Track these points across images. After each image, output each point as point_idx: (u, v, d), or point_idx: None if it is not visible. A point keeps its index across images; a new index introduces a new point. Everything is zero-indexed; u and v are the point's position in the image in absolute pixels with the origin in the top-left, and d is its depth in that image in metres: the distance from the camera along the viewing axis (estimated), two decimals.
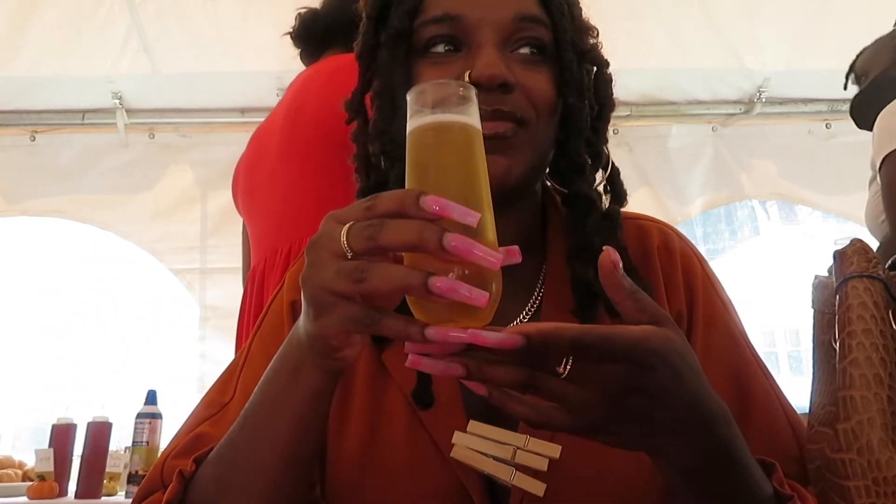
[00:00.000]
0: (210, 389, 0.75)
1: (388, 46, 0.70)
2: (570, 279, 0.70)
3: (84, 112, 2.92)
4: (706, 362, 0.67)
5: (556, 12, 0.70)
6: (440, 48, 0.69)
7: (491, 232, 0.50)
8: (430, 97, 0.52)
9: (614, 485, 0.63)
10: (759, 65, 2.88)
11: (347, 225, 0.47)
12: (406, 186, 0.50)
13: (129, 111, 2.91)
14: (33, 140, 2.95)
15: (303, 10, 1.60)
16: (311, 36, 1.58)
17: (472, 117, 0.52)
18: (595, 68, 0.75)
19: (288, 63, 2.87)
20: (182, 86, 2.85)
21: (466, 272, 0.46)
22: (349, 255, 0.46)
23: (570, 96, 0.70)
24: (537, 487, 0.58)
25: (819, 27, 2.67)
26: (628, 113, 3.02)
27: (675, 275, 0.73)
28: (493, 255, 0.45)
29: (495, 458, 0.59)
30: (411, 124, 0.52)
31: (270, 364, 0.57)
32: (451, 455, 0.60)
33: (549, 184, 0.79)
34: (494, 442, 0.60)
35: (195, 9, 2.58)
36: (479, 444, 0.60)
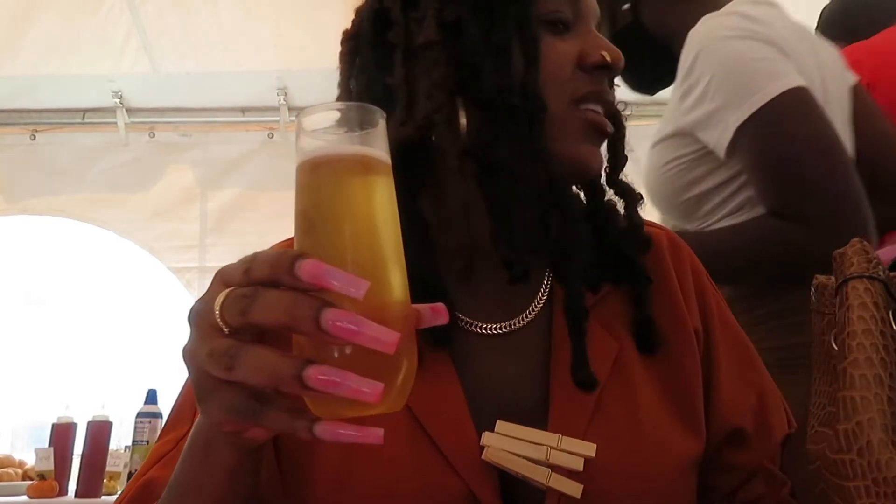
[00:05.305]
0: (167, 419, 0.66)
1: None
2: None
3: (84, 111, 2.93)
4: (735, 386, 0.68)
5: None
6: (554, 23, 0.65)
7: (398, 292, 0.40)
8: (321, 122, 0.42)
9: (649, 482, 0.60)
10: None
11: (224, 292, 0.39)
12: (294, 242, 0.42)
13: (129, 110, 2.92)
14: (33, 139, 2.95)
15: None
16: None
17: (376, 147, 0.42)
18: None
19: (288, 63, 2.88)
20: (182, 85, 2.86)
21: (357, 351, 0.37)
22: (226, 330, 0.39)
23: (615, 104, 0.71)
24: (574, 489, 0.54)
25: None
26: (628, 112, 3.00)
27: (688, 288, 0.70)
28: (386, 335, 0.36)
29: (528, 460, 0.55)
30: (298, 157, 0.42)
31: (189, 435, 0.49)
32: (484, 457, 0.55)
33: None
34: (526, 442, 0.56)
35: (196, 8, 2.58)
36: (510, 445, 0.56)
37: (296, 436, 0.39)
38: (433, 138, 0.63)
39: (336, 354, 0.38)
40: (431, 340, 0.60)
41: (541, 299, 0.67)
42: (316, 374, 0.35)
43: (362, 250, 0.40)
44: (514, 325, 0.65)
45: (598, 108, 0.65)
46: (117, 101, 2.86)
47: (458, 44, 0.63)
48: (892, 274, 0.55)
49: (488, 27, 0.63)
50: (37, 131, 2.96)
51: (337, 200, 0.41)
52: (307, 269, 0.36)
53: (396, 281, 0.41)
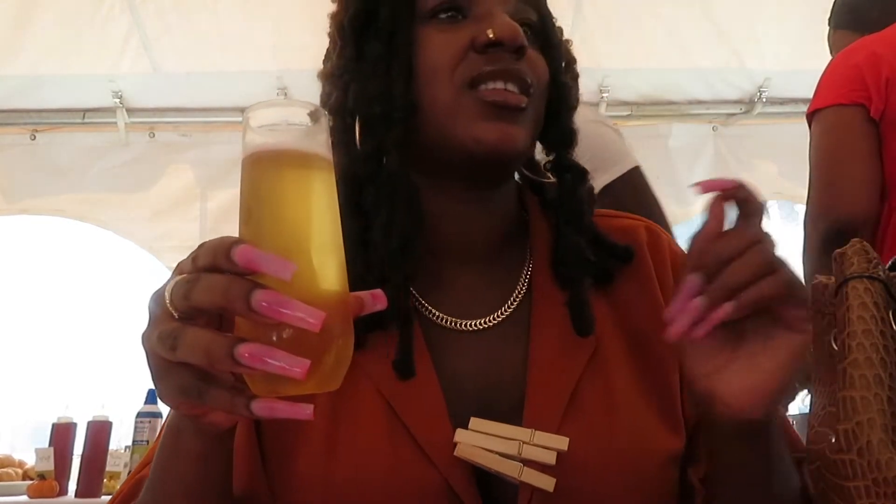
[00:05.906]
0: (164, 419, 0.67)
1: (391, 7, 0.66)
2: (555, 253, 0.69)
3: (84, 111, 2.92)
4: None
5: (542, 3, 0.72)
6: (445, 14, 0.65)
7: (331, 278, 0.43)
8: (265, 119, 0.45)
9: (624, 475, 0.60)
10: (759, 65, 2.88)
11: (175, 279, 0.43)
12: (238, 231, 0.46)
13: (129, 110, 2.91)
14: (33, 139, 2.94)
15: None
16: None
17: (315, 143, 0.45)
18: (564, 63, 0.75)
19: (288, 63, 2.88)
20: (182, 85, 2.85)
21: (292, 334, 0.41)
22: (175, 315, 0.42)
23: (560, 75, 0.71)
24: (547, 482, 0.56)
25: (819, 27, 2.65)
26: (628, 113, 3.02)
27: (666, 280, 0.71)
28: (312, 315, 0.38)
29: (501, 455, 0.57)
30: (243, 152, 0.45)
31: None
32: (456, 454, 0.57)
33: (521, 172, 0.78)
34: (498, 437, 0.58)
35: (196, 8, 2.58)
36: (482, 441, 0.58)
37: (235, 412, 0.42)
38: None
39: (273, 337, 0.41)
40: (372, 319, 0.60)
41: (518, 294, 0.69)
42: (244, 351, 0.38)
43: (294, 238, 0.43)
44: (491, 320, 0.67)
45: (500, 85, 0.63)
46: (117, 101, 2.86)
47: (341, 69, 0.69)
48: (892, 274, 0.55)
49: (361, 46, 0.67)
50: (37, 131, 2.95)
51: (273, 192, 0.44)
52: (240, 253, 0.39)
53: (329, 268, 0.44)
